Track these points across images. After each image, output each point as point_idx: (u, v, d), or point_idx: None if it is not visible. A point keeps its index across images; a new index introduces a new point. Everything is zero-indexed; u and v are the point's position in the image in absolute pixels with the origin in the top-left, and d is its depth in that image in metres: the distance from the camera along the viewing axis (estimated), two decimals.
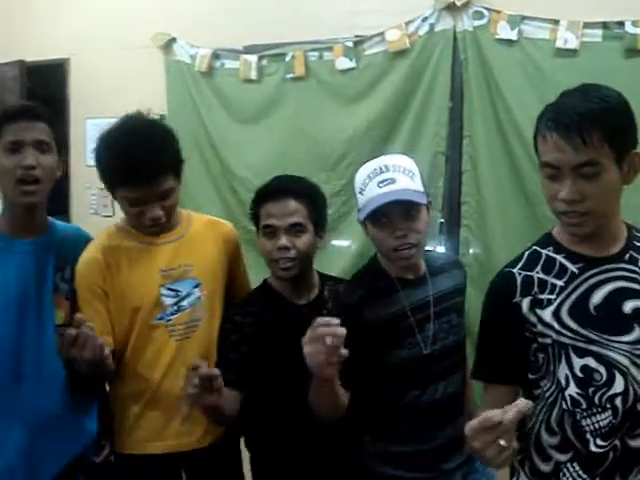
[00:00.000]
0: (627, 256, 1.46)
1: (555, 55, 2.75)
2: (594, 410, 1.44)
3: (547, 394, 1.50)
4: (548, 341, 1.46)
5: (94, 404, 1.99)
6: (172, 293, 1.92)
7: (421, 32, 2.97)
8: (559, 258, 1.48)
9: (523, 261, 1.52)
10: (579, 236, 1.45)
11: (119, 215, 3.87)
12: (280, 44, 3.30)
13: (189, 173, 3.45)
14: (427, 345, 1.79)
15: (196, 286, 1.95)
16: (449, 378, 1.82)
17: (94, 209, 3.86)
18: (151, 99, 3.58)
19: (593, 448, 1.43)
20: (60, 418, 1.90)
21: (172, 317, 1.92)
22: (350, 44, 3.09)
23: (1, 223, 1.88)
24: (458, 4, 2.85)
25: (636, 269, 1.45)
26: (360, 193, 1.78)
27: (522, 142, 2.79)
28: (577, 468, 1.46)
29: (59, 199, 4.04)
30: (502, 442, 1.21)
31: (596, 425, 1.44)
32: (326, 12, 3.21)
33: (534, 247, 1.54)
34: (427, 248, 1.96)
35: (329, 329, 1.47)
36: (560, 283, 1.46)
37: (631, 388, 1.42)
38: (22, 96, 3.98)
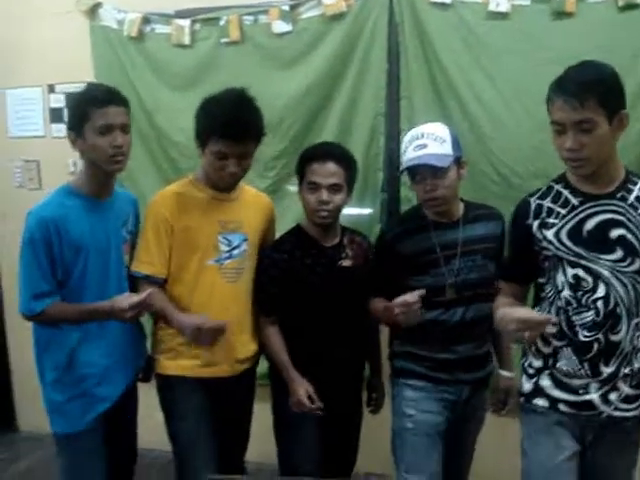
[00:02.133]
0: (619, 195, 1.91)
1: (488, 18, 2.87)
2: (581, 309, 1.93)
3: (549, 294, 2.01)
4: (549, 254, 1.96)
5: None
6: (226, 241, 2.37)
7: None
8: (565, 192, 1.97)
9: (539, 193, 2.02)
10: (581, 176, 1.90)
11: (46, 188, 3.77)
12: (213, 8, 3.26)
13: None
14: (451, 276, 2.27)
15: (244, 240, 2.41)
16: (471, 306, 2.29)
17: (19, 182, 3.72)
18: (76, 66, 3.51)
19: (581, 338, 1.93)
20: (129, 344, 2.38)
21: (225, 262, 2.37)
22: (286, 7, 3.11)
23: (85, 187, 2.27)
24: None
25: (624, 205, 1.90)
26: (402, 154, 2.29)
27: (457, 101, 2.95)
28: (570, 351, 1.96)
29: None
30: (526, 335, 1.83)
31: (583, 320, 1.93)
32: None
33: (550, 183, 2.02)
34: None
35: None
36: (563, 211, 1.95)
37: (611, 294, 1.90)
38: None
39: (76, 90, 2.35)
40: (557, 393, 1.98)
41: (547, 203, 1.98)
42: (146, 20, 3.35)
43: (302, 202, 2.41)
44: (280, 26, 3.13)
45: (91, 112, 2.16)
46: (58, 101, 3.64)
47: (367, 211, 3.18)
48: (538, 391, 2.03)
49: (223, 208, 2.39)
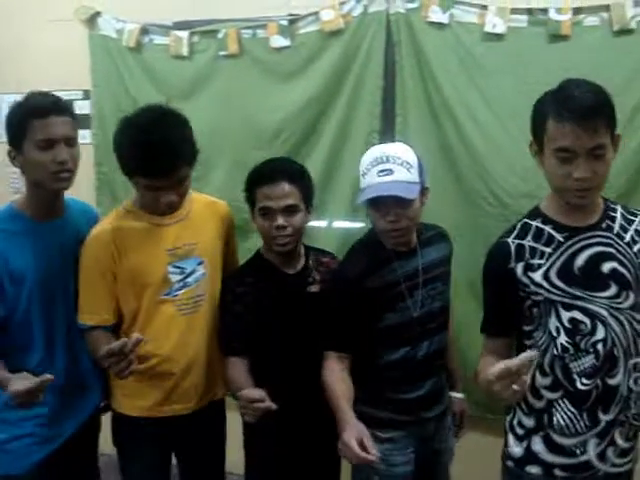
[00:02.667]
0: (603, 225, 1.79)
1: (484, 39, 2.88)
2: (580, 354, 1.77)
3: (540, 342, 1.82)
4: (540, 298, 1.78)
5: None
6: (178, 270, 2.13)
7: (355, 13, 3.03)
8: (547, 228, 1.81)
9: (515, 232, 1.85)
10: (582, 206, 1.76)
11: None
12: (211, 21, 3.27)
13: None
14: (416, 309, 2.11)
15: (200, 263, 2.17)
16: (434, 337, 2.16)
17: (16, 188, 3.67)
18: (74, 75, 3.52)
19: (579, 386, 1.77)
20: (83, 380, 2.16)
21: (178, 292, 2.13)
22: (285, 22, 3.12)
23: (29, 208, 2.04)
24: None
25: (611, 235, 1.78)
26: (362, 176, 2.06)
27: (453, 120, 2.95)
28: (567, 403, 1.79)
29: None
30: (515, 387, 1.55)
31: (582, 367, 1.77)
32: None
33: (524, 220, 1.86)
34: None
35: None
36: (549, 250, 1.79)
37: (609, 335, 1.76)
38: None
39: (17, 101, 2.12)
40: (551, 458, 1.82)
41: (529, 242, 1.81)
42: (144, 31, 3.36)
43: (258, 230, 2.20)
44: (278, 41, 3.14)
45: (29, 124, 1.94)
46: None
47: (359, 225, 3.18)
48: (531, 457, 1.85)
49: (168, 234, 2.14)
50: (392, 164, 2.00)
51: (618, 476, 1.85)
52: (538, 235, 1.81)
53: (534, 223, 1.84)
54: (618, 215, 1.83)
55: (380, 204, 2.01)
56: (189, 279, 2.15)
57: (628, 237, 1.80)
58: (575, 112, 1.64)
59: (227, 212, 2.36)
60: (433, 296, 2.15)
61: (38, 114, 1.94)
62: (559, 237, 1.79)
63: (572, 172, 1.67)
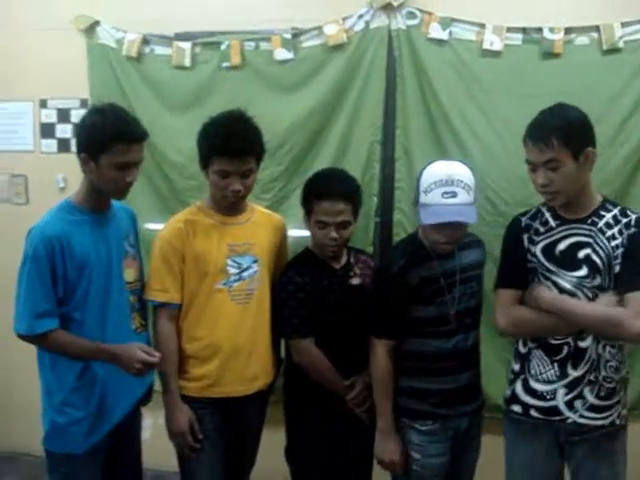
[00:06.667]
0: (589, 220, 2.19)
1: (481, 55, 3.07)
2: None
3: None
4: (531, 266, 2.24)
5: None
6: (235, 264, 2.44)
7: (357, 28, 3.16)
8: (547, 215, 2.27)
9: (529, 214, 2.32)
10: (556, 206, 2.21)
11: (33, 203, 3.76)
12: (213, 32, 3.35)
13: None
14: (453, 305, 2.35)
15: (255, 261, 2.48)
16: (469, 333, 2.40)
17: (5, 198, 3.69)
18: (70, 83, 3.55)
19: (551, 341, 2.20)
20: None
21: (234, 284, 2.43)
22: (288, 36, 3.22)
23: (86, 202, 2.27)
24: (395, 4, 3.09)
25: (594, 229, 2.17)
26: (425, 193, 2.27)
27: (451, 132, 3.11)
28: (541, 352, 2.23)
29: None
30: None
31: None
32: (261, 3, 3.31)
33: (538, 206, 2.31)
34: None
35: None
36: (543, 230, 2.25)
37: None
38: None
39: (96, 109, 2.30)
40: (527, 399, 2.25)
41: (534, 223, 2.27)
42: (145, 41, 3.41)
43: (310, 233, 2.51)
44: (282, 53, 3.24)
45: (113, 145, 2.15)
46: (49, 116, 3.65)
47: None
48: (514, 397, 2.29)
49: (232, 231, 2.46)
50: (456, 187, 2.23)
51: (592, 429, 2.18)
52: (541, 218, 2.27)
53: (542, 209, 2.29)
54: (609, 215, 2.19)
55: (441, 224, 2.24)
56: (244, 274, 2.45)
57: (609, 233, 2.16)
58: (532, 133, 2.13)
59: (281, 223, 2.69)
60: (469, 294, 2.39)
61: (122, 140, 2.16)
62: (552, 223, 2.23)
63: (536, 180, 2.15)
